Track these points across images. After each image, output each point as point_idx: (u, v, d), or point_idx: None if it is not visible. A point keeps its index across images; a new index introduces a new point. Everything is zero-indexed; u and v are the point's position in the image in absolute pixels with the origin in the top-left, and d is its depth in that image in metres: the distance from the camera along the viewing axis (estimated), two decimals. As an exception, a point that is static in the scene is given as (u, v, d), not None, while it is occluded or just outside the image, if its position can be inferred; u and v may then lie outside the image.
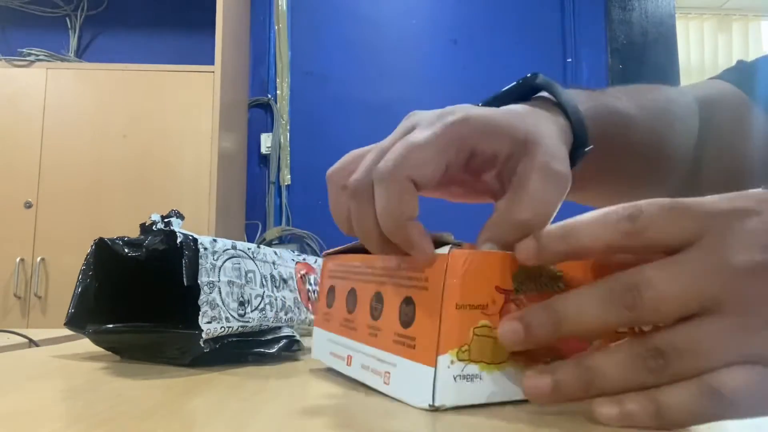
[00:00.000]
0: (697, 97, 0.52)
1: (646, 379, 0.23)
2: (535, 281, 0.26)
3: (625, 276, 0.23)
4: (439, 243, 0.27)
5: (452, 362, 0.25)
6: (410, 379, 0.26)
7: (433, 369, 0.25)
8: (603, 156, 0.38)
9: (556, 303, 0.24)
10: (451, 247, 0.26)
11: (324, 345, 0.36)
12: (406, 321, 0.27)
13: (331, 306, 0.35)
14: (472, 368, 0.25)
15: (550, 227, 0.25)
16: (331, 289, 0.36)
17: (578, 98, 0.36)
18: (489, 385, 0.25)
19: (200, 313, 0.36)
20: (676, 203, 0.24)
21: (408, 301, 0.27)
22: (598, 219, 0.24)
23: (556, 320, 0.24)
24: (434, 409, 0.25)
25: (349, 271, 0.34)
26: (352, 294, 0.33)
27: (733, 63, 0.58)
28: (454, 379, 0.25)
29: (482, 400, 0.25)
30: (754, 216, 0.23)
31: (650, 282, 0.23)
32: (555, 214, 0.29)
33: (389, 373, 0.28)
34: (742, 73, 0.55)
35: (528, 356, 0.26)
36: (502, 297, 0.26)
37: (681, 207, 0.24)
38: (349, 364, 0.32)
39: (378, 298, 0.30)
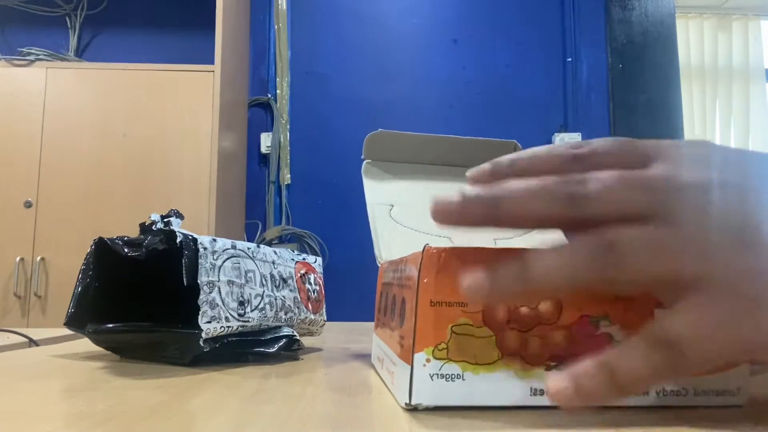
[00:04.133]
0: None
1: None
2: None
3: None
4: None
5: (428, 360, 0.24)
6: (399, 378, 0.26)
7: (410, 367, 0.24)
8: None
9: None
10: (426, 244, 0.25)
11: (375, 350, 0.36)
12: (401, 321, 0.27)
13: (379, 311, 0.36)
14: (452, 367, 0.24)
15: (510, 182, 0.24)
16: (381, 294, 0.37)
17: None
18: (474, 386, 0.24)
19: (200, 312, 0.36)
20: (622, 139, 0.25)
21: (403, 302, 0.28)
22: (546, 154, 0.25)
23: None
24: (412, 408, 0.24)
25: (386, 275, 0.35)
26: (383, 296, 0.34)
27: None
28: (431, 377, 0.24)
29: (466, 402, 0.24)
30: (703, 148, 0.24)
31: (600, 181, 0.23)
32: None
33: (393, 372, 0.28)
34: None
35: (524, 358, 0.25)
36: None
37: (628, 140, 0.24)
38: (381, 366, 0.33)
39: (394, 300, 0.31)
